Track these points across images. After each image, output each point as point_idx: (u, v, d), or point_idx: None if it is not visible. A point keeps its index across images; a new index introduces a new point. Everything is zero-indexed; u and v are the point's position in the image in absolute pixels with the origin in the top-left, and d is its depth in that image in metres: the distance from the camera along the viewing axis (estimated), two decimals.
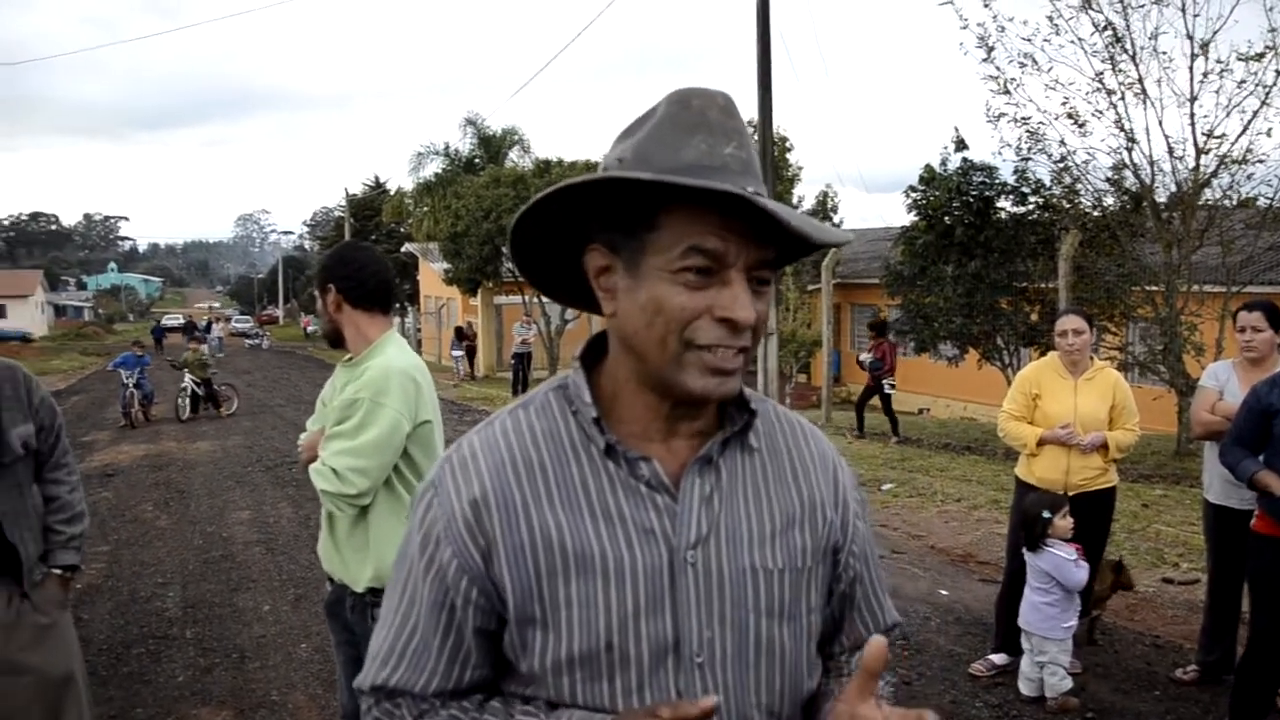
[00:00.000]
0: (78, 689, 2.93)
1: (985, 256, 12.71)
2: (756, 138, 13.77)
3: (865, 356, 13.34)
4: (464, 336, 27.66)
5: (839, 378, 25.04)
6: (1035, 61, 11.06)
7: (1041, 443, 4.54)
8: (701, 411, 1.13)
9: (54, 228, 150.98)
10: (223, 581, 6.61)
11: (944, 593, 6.17)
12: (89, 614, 5.88)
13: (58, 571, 2.93)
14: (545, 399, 1.17)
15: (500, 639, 1.12)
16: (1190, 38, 10.25)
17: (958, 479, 9.96)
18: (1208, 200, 10.70)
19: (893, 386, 13.18)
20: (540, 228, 1.13)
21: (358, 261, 2.81)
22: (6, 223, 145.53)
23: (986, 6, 11.20)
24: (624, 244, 1.06)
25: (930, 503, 8.85)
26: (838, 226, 24.87)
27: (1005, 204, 13.03)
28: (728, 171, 1.01)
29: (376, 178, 48.23)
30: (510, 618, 1.09)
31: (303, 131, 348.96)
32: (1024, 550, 4.37)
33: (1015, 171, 12.52)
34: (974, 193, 12.90)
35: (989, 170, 12.95)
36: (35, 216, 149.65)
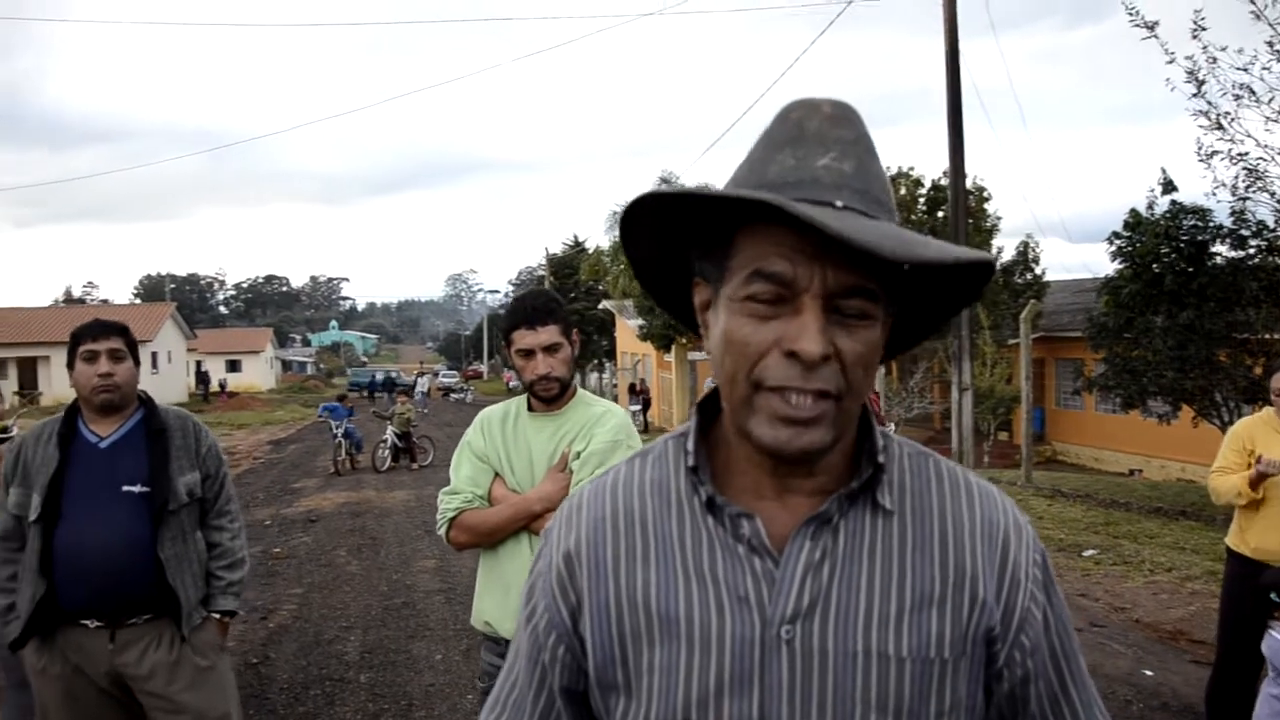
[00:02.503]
0: None
1: (1199, 305, 11.76)
2: (949, 187, 13.35)
3: None
4: (637, 391, 29.66)
5: (1042, 435, 23.80)
6: (1253, 92, 10.26)
7: (1255, 483, 4.06)
8: (814, 468, 0.98)
9: (284, 289, 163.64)
10: (401, 628, 6.80)
11: (1149, 673, 5.62)
12: (275, 654, 6.17)
13: (216, 616, 3.05)
14: (664, 447, 1.09)
15: (589, 702, 1.06)
16: None
17: (1169, 546, 9.15)
18: None
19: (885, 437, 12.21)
20: (657, 259, 1.06)
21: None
22: (245, 285, 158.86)
23: (1195, 38, 10.51)
24: (713, 275, 0.97)
25: (1137, 572, 8.15)
26: (1038, 278, 23.77)
27: (1221, 248, 12.06)
28: (817, 185, 0.90)
29: (575, 237, 49.80)
30: (592, 679, 1.02)
31: (508, 194, 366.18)
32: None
33: (1232, 213, 11.57)
34: (1185, 237, 12.00)
35: (1201, 213, 12.03)
36: (269, 279, 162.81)
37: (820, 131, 0.92)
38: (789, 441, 0.91)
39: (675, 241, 1.02)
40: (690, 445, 1.02)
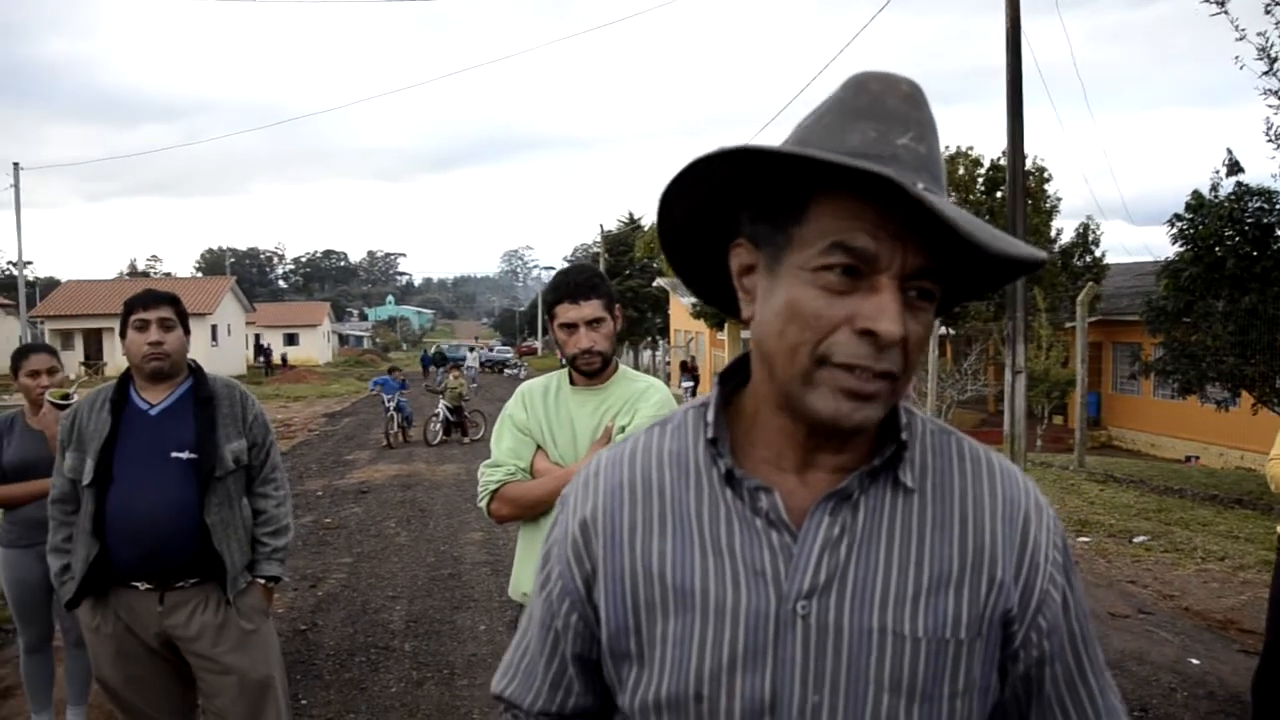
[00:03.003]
0: (276, 693, 3.12)
1: (1262, 290, 11.46)
2: (1007, 168, 13.12)
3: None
4: (689, 369, 29.72)
5: (1097, 420, 23.40)
6: None
7: None
8: (846, 443, 0.98)
9: (342, 264, 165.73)
10: (446, 599, 6.91)
11: (1195, 662, 5.53)
12: (323, 621, 6.31)
13: (261, 581, 3.13)
14: (684, 417, 1.08)
15: (602, 669, 1.07)
16: None
17: (1223, 535, 8.97)
18: None
19: None
20: (690, 218, 1.01)
21: None
22: (304, 259, 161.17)
23: (1268, 13, 10.19)
24: (769, 239, 0.94)
25: (1189, 560, 8.00)
26: (1097, 260, 23.31)
27: None
28: (898, 163, 0.87)
29: (631, 214, 49.72)
30: (604, 648, 1.04)
31: (565, 171, 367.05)
32: None
33: None
34: (1249, 220, 11.69)
35: (1268, 194, 11.69)
36: (327, 254, 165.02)
37: (900, 110, 0.91)
38: (849, 415, 0.90)
39: (722, 202, 0.99)
40: (710, 416, 1.01)
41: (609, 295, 2.73)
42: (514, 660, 1.15)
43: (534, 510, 2.68)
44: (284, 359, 52.03)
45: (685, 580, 0.98)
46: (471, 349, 51.04)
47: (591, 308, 2.67)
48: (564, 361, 2.79)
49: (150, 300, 3.03)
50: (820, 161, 0.84)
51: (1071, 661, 1.02)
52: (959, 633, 0.95)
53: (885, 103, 0.91)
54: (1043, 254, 0.89)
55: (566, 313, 2.68)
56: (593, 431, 2.70)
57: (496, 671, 1.18)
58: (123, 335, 3.06)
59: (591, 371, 2.71)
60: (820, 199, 0.89)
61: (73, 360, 38.05)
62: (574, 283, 2.69)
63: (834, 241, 0.88)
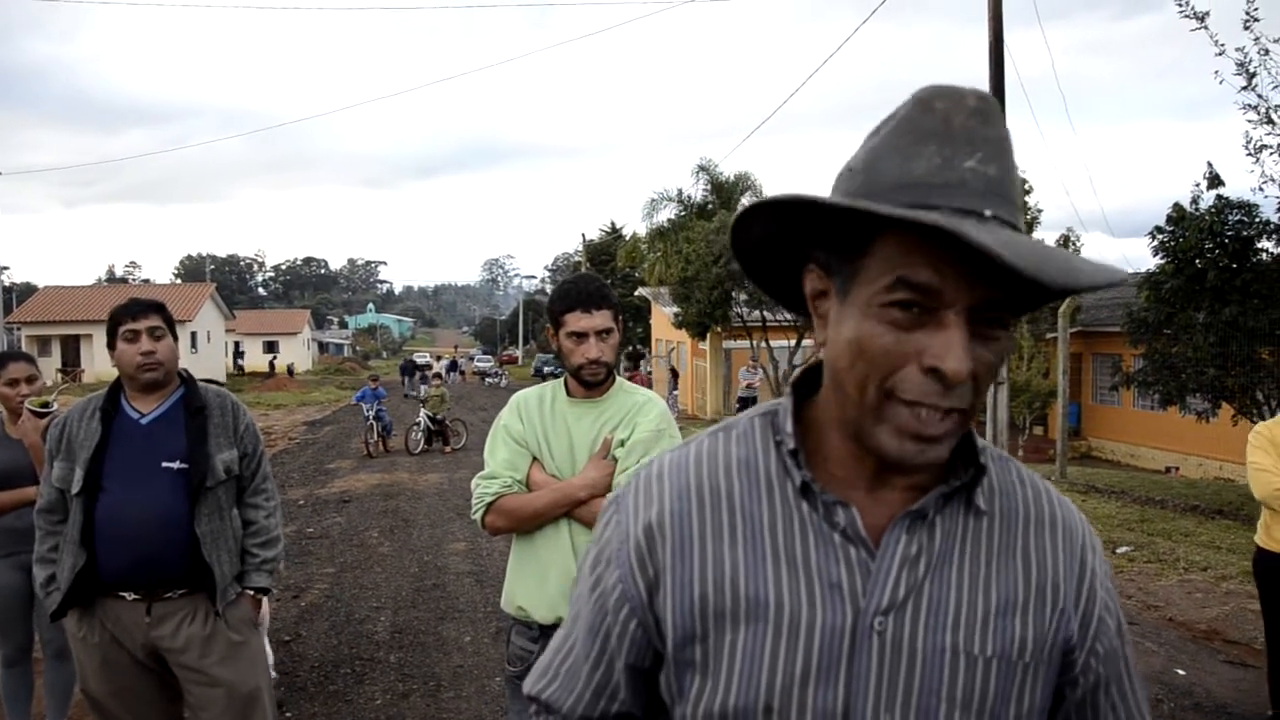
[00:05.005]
0: (264, 706, 3.08)
1: (1242, 302, 11.56)
2: None
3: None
4: (677, 375, 30.00)
5: (1077, 431, 23.52)
6: None
7: None
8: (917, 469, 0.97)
9: (322, 271, 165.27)
10: (431, 610, 6.86)
11: (1181, 672, 5.55)
12: (307, 632, 6.25)
13: (250, 592, 3.10)
14: (749, 425, 1.07)
15: (654, 678, 1.05)
16: None
17: (1205, 545, 9.03)
18: None
19: None
20: (766, 240, 1.01)
21: None
22: (284, 267, 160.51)
23: (1247, 29, 10.31)
24: (839, 268, 0.93)
25: (1171, 570, 8.05)
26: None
27: (1267, 244, 11.85)
28: (965, 190, 0.85)
29: (613, 223, 49.87)
30: (668, 656, 1.02)
31: (546, 180, 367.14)
32: None
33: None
34: (1229, 233, 11.79)
35: (1248, 208, 11.80)
36: (308, 261, 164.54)
37: (967, 129, 0.87)
38: (915, 456, 0.90)
39: (794, 228, 0.98)
40: (789, 427, 1.01)
41: (617, 306, 2.72)
42: (553, 663, 1.13)
43: (532, 523, 2.64)
44: (290, 369, 52.47)
45: (758, 591, 0.97)
46: (439, 358, 51.02)
47: (602, 317, 2.65)
48: (544, 372, 2.76)
49: (138, 310, 2.99)
50: (904, 220, 0.83)
51: (1127, 683, 1.05)
52: (1024, 656, 0.96)
53: (951, 122, 0.88)
54: (1121, 272, 0.85)
55: (578, 321, 2.64)
56: (591, 444, 2.66)
57: (531, 673, 1.17)
58: (111, 347, 3.01)
59: (596, 382, 2.68)
60: (885, 233, 0.88)
61: (50, 367, 37.66)
62: (586, 291, 2.67)
63: (898, 277, 0.86)
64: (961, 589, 0.96)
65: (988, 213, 0.84)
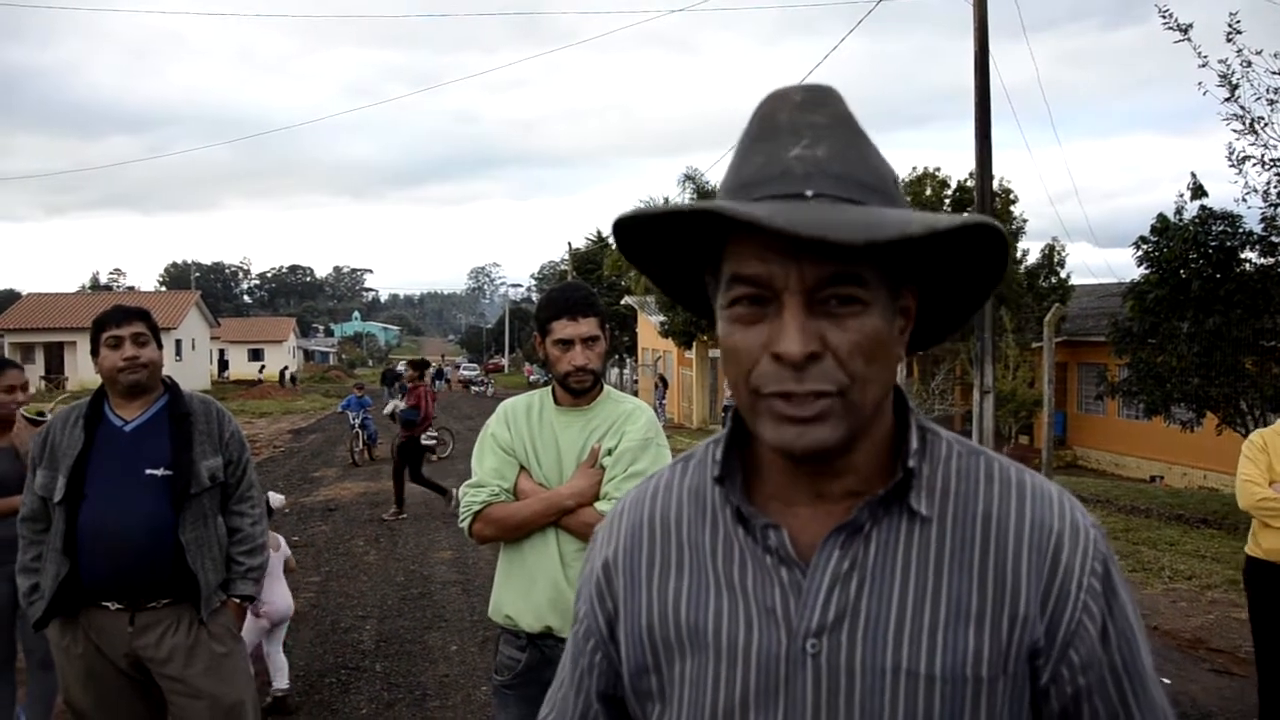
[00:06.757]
0: (247, 717, 3.06)
1: (1226, 312, 11.66)
2: (975, 189, 13.27)
3: (396, 404, 11.66)
4: (666, 385, 30.15)
5: (1063, 440, 23.61)
6: None
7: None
8: (836, 470, 0.94)
9: (308, 279, 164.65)
10: (417, 618, 6.83)
11: (1166, 681, 5.56)
12: (292, 640, 6.18)
13: (236, 600, 3.08)
14: (704, 452, 1.06)
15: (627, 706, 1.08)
16: None
17: (1190, 554, 9.08)
18: None
19: (434, 439, 11.86)
20: (666, 257, 1.02)
21: None
22: (269, 274, 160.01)
23: (1230, 41, 10.41)
24: (713, 278, 0.95)
25: (1156, 579, 8.08)
26: (1063, 282, 23.53)
27: (1250, 255, 11.96)
28: (788, 178, 0.86)
29: (599, 232, 49.69)
30: (627, 687, 1.04)
31: (533, 189, 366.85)
32: None
33: (1263, 219, 11.47)
34: (1213, 243, 11.90)
35: (1231, 218, 11.92)
36: (293, 269, 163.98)
37: (791, 121, 0.89)
38: (795, 440, 0.87)
39: (681, 252, 1.00)
40: (719, 454, 0.99)
41: (603, 314, 2.72)
42: (553, 692, 1.16)
43: (519, 532, 2.63)
44: (294, 378, 52.82)
45: (699, 620, 0.97)
46: (442, 369, 50.96)
47: (589, 325, 2.65)
48: (531, 380, 2.76)
49: (122, 317, 2.97)
50: (668, 213, 0.88)
51: (1115, 696, 0.94)
52: (979, 670, 0.90)
53: (776, 120, 0.90)
54: (939, 217, 0.84)
55: (564, 329, 2.64)
56: (578, 453, 2.66)
57: (544, 702, 1.20)
58: (95, 354, 2.98)
59: (582, 390, 2.67)
60: (730, 240, 0.90)
61: (34, 374, 37.41)
62: (572, 299, 2.66)
63: (733, 274, 0.89)
64: (904, 603, 0.91)
65: (809, 193, 0.85)
